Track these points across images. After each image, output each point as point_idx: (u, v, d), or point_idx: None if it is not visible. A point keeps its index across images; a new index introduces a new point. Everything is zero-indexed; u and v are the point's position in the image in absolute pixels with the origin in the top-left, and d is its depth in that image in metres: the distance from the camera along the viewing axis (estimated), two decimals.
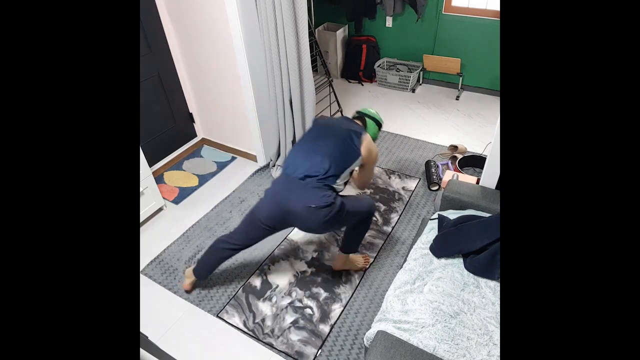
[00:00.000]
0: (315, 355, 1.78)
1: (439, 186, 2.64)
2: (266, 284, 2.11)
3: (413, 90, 3.95)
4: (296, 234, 2.39)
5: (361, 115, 2.00)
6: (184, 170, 3.03)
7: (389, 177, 2.82)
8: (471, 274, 1.55)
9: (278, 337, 1.85)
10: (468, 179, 2.37)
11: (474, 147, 3.07)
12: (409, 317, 1.40)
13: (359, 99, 3.91)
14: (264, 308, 1.99)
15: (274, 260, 2.24)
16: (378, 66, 3.99)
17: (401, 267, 1.68)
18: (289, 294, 2.05)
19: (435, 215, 1.85)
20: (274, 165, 2.88)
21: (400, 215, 2.49)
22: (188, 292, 2.07)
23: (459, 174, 2.45)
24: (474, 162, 2.80)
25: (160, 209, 2.65)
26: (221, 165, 3.07)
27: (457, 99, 3.78)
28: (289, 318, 1.93)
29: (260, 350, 1.81)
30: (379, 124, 2.03)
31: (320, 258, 2.24)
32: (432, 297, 1.45)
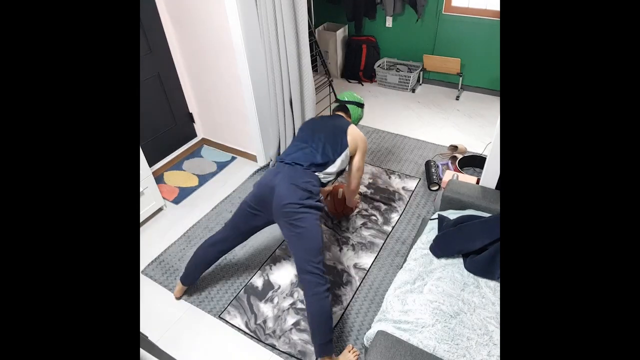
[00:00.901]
0: None
1: (439, 186, 2.64)
2: (268, 285, 2.11)
3: (413, 90, 3.95)
4: None
5: (342, 104, 2.17)
6: (184, 170, 3.03)
7: (389, 177, 2.82)
8: (471, 274, 1.55)
9: (280, 337, 1.86)
10: (468, 179, 2.37)
11: (474, 147, 3.07)
12: (409, 317, 1.40)
13: None
14: (266, 309, 1.99)
15: (275, 261, 2.24)
16: (378, 66, 3.99)
17: (401, 267, 1.68)
18: (291, 294, 2.05)
19: (435, 215, 1.85)
20: (273, 165, 2.88)
21: (400, 215, 2.49)
22: (177, 298, 2.07)
23: (459, 174, 2.45)
24: (474, 162, 2.80)
25: (160, 209, 2.66)
26: (221, 165, 3.07)
27: (457, 99, 3.78)
28: (291, 320, 1.93)
29: (261, 352, 1.81)
30: (360, 105, 2.20)
31: None
32: (432, 297, 1.45)
